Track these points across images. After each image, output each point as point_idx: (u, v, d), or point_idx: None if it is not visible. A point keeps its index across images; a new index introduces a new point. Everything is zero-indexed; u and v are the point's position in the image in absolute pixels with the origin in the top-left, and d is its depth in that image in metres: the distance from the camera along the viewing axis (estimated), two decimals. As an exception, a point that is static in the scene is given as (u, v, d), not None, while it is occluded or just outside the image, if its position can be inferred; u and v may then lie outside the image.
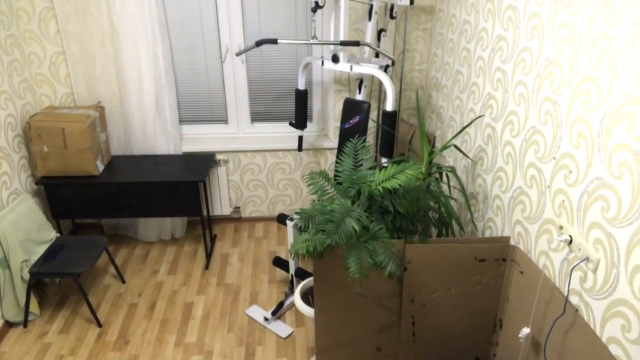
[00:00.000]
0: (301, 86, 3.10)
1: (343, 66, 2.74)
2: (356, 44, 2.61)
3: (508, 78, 2.08)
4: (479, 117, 2.40)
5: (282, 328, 2.70)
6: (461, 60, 2.66)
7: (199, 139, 3.54)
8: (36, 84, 3.16)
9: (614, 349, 1.41)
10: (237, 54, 2.75)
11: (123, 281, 3.11)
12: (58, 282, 3.08)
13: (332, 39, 2.82)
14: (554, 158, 1.71)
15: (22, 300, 2.67)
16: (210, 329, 2.71)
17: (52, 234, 2.92)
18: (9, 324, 2.72)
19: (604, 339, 1.46)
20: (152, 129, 3.24)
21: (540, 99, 1.81)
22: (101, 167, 3.08)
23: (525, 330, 1.80)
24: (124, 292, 3.01)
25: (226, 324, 2.75)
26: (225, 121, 3.56)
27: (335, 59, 2.75)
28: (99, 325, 2.73)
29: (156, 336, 2.66)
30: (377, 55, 3.16)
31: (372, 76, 3.36)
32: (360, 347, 2.16)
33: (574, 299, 1.60)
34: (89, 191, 3.04)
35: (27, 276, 2.64)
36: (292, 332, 2.68)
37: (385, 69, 2.91)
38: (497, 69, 2.20)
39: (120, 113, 3.26)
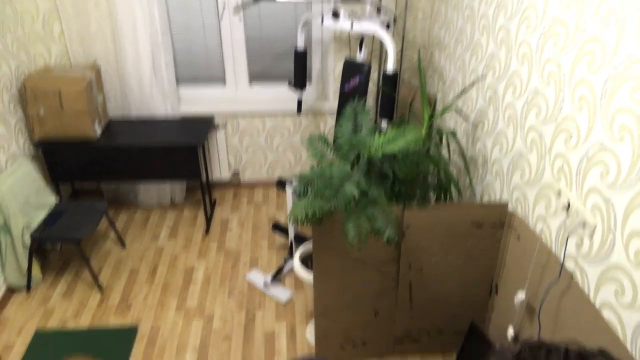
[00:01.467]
0: (300, 45, 3.01)
1: (343, 23, 2.65)
2: None
3: (512, 37, 2.00)
4: (481, 78, 2.32)
5: (281, 292, 2.73)
6: (465, 17, 2.55)
7: (196, 100, 3.48)
8: (30, 42, 3.07)
9: (607, 314, 1.41)
10: (235, 11, 2.65)
11: (124, 246, 3.13)
12: (59, 248, 3.11)
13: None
14: (555, 121, 1.66)
15: (24, 265, 2.70)
16: (211, 293, 2.75)
17: (52, 199, 2.93)
18: (12, 289, 2.76)
19: (597, 304, 1.45)
20: (149, 88, 3.18)
21: (543, 60, 1.74)
22: (99, 130, 3.05)
23: (521, 295, 1.79)
24: (125, 257, 3.04)
25: (226, 288, 2.78)
26: (224, 82, 3.49)
27: (335, 15, 2.65)
28: (101, 289, 2.77)
29: (158, 300, 2.69)
30: (378, 12, 3.05)
31: (373, 35, 3.25)
32: (358, 311, 2.18)
33: (569, 264, 1.59)
34: (87, 155, 3.02)
35: (28, 241, 2.65)
36: (292, 296, 2.71)
37: (387, 26, 2.81)
38: (501, 27, 2.11)
39: (116, 72, 3.20)
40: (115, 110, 3.31)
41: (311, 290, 2.69)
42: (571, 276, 1.56)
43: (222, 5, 3.19)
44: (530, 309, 1.82)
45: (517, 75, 1.95)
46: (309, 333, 2.47)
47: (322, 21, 2.76)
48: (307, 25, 3.26)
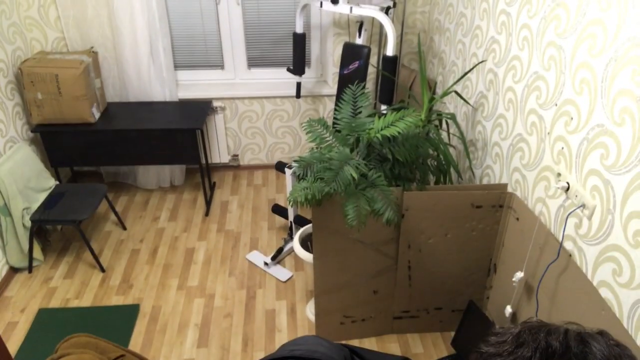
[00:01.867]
0: (299, 29, 3.01)
1: (342, 7, 2.65)
2: (356, -16, 2.50)
3: (512, 21, 2.02)
4: (481, 62, 2.34)
5: (281, 272, 2.77)
6: (465, 2, 2.56)
7: (195, 85, 3.48)
8: (26, 27, 3.05)
9: (604, 292, 1.45)
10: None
11: (124, 228, 3.15)
12: (60, 229, 3.12)
13: (331, -21, 2.71)
14: (556, 104, 1.69)
15: (26, 246, 2.72)
16: (212, 273, 2.78)
17: (51, 182, 2.93)
18: (14, 270, 2.78)
19: (595, 283, 1.49)
20: (146, 74, 3.16)
21: (544, 44, 1.76)
22: (97, 114, 3.04)
23: (519, 275, 1.84)
24: (125, 238, 3.06)
25: (227, 268, 2.82)
26: (222, 66, 3.48)
27: (334, 0, 2.65)
28: (102, 270, 2.79)
29: (159, 280, 2.73)
30: (377, -3, 3.04)
31: (373, 19, 3.25)
32: (357, 290, 2.22)
33: (568, 245, 1.63)
34: (85, 139, 3.02)
35: (28, 223, 2.67)
36: (292, 276, 2.75)
37: (387, 10, 2.80)
38: (501, 11, 2.12)
39: (114, 58, 3.18)
40: (113, 96, 3.29)
41: (311, 270, 2.73)
42: (569, 256, 1.61)
43: (221, -13, 3.17)
44: (528, 288, 1.86)
45: (518, 60, 1.97)
46: (309, 310, 2.52)
47: (321, 5, 2.75)
48: (306, 9, 3.25)
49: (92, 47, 3.11)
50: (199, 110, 3.19)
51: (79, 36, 3.11)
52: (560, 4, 1.65)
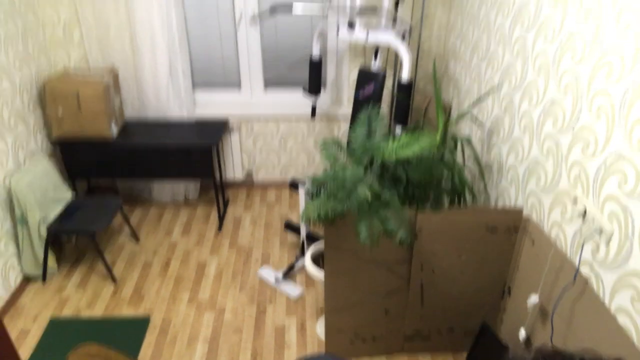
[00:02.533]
0: (316, 54, 3.07)
1: (359, 34, 2.71)
2: (373, 10, 2.57)
3: (528, 48, 2.05)
4: (498, 86, 2.37)
5: (292, 288, 2.77)
6: (481, 28, 2.61)
7: (212, 104, 3.54)
8: (50, 47, 3.15)
9: (622, 319, 1.45)
10: (252, 21, 2.71)
11: (138, 240, 3.18)
12: (74, 241, 3.16)
13: (348, 5, 2.78)
14: (573, 129, 1.71)
15: (40, 256, 2.75)
16: (223, 287, 2.79)
17: (68, 194, 2.98)
18: (28, 278, 2.81)
19: (612, 310, 1.49)
20: (165, 94, 3.24)
21: (561, 71, 1.79)
22: (115, 130, 3.11)
23: (534, 298, 1.83)
24: (138, 251, 3.08)
25: (238, 283, 2.82)
26: (239, 87, 3.55)
27: (351, 26, 2.71)
28: (115, 281, 2.81)
29: (170, 293, 2.74)
30: (394, 22, 3.11)
31: (389, 44, 3.31)
32: (369, 309, 2.22)
33: (584, 270, 1.63)
34: (103, 153, 3.07)
35: (44, 233, 2.70)
36: (302, 293, 2.75)
37: (402, 36, 2.86)
38: (517, 38, 2.17)
39: (133, 77, 3.26)
40: (132, 113, 3.37)
41: (322, 287, 2.73)
42: (586, 281, 1.61)
43: (240, 15, 3.26)
44: (543, 312, 1.85)
45: (534, 86, 2.00)
46: (319, 328, 2.51)
47: (338, 32, 2.81)
48: (323, 35, 3.33)
49: (113, 66, 3.20)
50: (215, 129, 3.24)
51: (100, 55, 3.20)
52: (576, 33, 1.69)
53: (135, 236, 3.19)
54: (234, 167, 3.63)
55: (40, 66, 3.02)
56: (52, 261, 2.84)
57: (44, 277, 2.80)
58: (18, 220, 2.65)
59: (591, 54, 1.61)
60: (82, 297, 2.70)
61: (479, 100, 2.52)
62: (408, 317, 2.26)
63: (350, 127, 3.22)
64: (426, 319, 2.27)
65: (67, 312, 2.60)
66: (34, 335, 2.44)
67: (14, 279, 2.70)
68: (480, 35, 2.62)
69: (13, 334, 2.45)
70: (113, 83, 3.08)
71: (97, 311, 2.61)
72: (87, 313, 2.59)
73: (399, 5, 3.09)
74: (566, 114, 1.76)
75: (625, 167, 1.43)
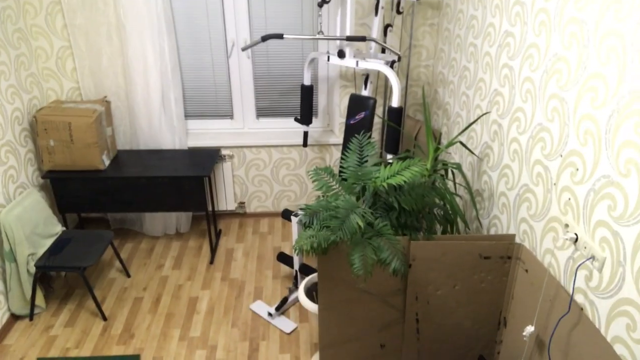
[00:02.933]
0: (307, 82, 3.09)
1: (349, 62, 2.73)
2: (362, 39, 2.60)
3: (515, 74, 2.07)
4: (485, 113, 2.38)
5: (286, 323, 2.71)
6: (468, 56, 2.64)
7: (204, 134, 3.55)
8: (43, 78, 3.17)
9: (618, 349, 1.40)
10: (243, 49, 2.75)
11: (128, 275, 3.12)
12: (64, 276, 3.10)
13: (338, 34, 2.81)
14: (561, 155, 1.70)
15: (28, 293, 2.69)
16: (215, 323, 2.72)
17: (58, 228, 2.94)
18: (15, 317, 2.74)
19: (609, 338, 1.44)
20: (157, 123, 3.24)
21: (547, 96, 1.80)
22: (107, 162, 3.09)
23: (530, 329, 1.79)
24: (129, 286, 3.02)
25: (230, 318, 2.76)
26: (231, 116, 3.56)
27: (341, 55, 2.74)
28: (104, 318, 2.75)
29: (161, 330, 2.67)
30: (383, 51, 3.14)
31: (378, 72, 3.34)
32: (364, 343, 2.16)
33: (579, 298, 1.59)
34: (95, 185, 3.05)
35: (33, 269, 2.65)
36: (296, 328, 2.69)
37: (392, 64, 2.89)
38: (504, 65, 2.18)
39: (126, 107, 3.27)
40: (124, 143, 3.36)
41: (316, 321, 2.66)
42: (581, 309, 1.57)
43: (231, 43, 3.30)
44: (539, 343, 1.80)
45: (522, 111, 2.00)
46: (314, 366, 2.44)
47: (328, 59, 2.84)
48: (314, 62, 3.36)
49: (105, 97, 3.21)
50: (208, 158, 3.23)
51: (93, 85, 3.21)
52: (561, 58, 1.70)
53: (125, 271, 3.14)
54: (226, 197, 3.61)
55: (32, 97, 3.03)
56: (40, 299, 2.78)
57: (31, 315, 2.73)
58: (6, 256, 2.60)
59: (576, 78, 1.61)
60: (71, 335, 2.63)
61: (468, 127, 2.53)
62: (404, 351, 2.19)
63: (342, 155, 3.21)
64: (423, 353, 2.20)
65: (55, 352, 2.52)
66: (19, 377, 2.36)
67: (0, 318, 2.63)
68: (467, 62, 2.64)
69: (-3, 376, 2.38)
70: (105, 113, 3.09)
71: (86, 351, 2.53)
72: (75, 353, 2.52)
73: (388, 33, 3.13)
74: (554, 139, 1.75)
75: (614, 192, 1.41)
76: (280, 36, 2.64)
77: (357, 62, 2.70)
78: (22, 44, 2.94)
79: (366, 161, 2.14)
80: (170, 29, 3.09)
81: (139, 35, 3.00)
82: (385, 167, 2.02)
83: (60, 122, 2.86)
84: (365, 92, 3.04)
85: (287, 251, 3.37)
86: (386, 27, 3.11)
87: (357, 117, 2.90)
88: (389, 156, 2.80)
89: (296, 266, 2.86)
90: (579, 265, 1.58)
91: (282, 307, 2.78)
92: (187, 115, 3.54)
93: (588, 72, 1.54)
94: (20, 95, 2.89)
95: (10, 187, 2.75)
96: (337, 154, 3.61)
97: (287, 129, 3.61)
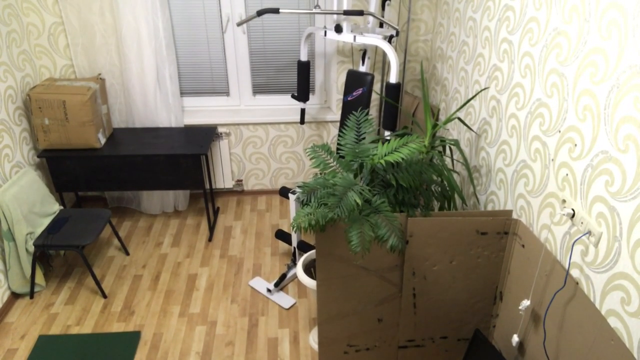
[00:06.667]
0: (303, 57, 3.05)
1: (346, 36, 2.69)
2: (360, 13, 2.55)
3: (514, 49, 2.04)
4: (484, 89, 2.36)
5: (284, 299, 2.74)
6: (467, 30, 2.60)
7: (200, 111, 3.52)
8: (35, 55, 3.12)
9: (613, 322, 1.42)
10: (239, 24, 2.70)
11: (127, 253, 3.14)
12: (63, 254, 3.11)
13: (335, 8, 2.76)
14: (559, 131, 1.69)
15: (28, 272, 2.70)
16: (214, 300, 2.75)
17: (56, 207, 2.94)
18: (15, 295, 2.76)
19: (603, 312, 1.47)
20: (153, 101, 3.21)
21: (546, 71, 1.78)
22: (103, 140, 3.07)
23: (526, 303, 1.81)
24: (128, 264, 3.04)
25: (229, 295, 2.79)
26: (227, 93, 3.53)
27: (338, 29, 2.70)
28: (104, 296, 2.77)
29: (160, 307, 2.70)
30: (381, 25, 3.09)
31: (376, 47, 3.30)
32: (362, 318, 2.19)
33: (574, 272, 1.61)
34: (91, 164, 3.04)
35: (31, 248, 2.66)
36: (295, 303, 2.72)
37: (390, 39, 2.85)
38: (503, 39, 2.15)
39: (120, 85, 3.23)
40: (119, 122, 3.34)
41: (314, 297, 2.70)
42: (576, 284, 1.58)
43: (226, 18, 3.24)
44: (535, 316, 1.83)
45: (520, 87, 1.99)
46: (312, 339, 2.48)
47: (325, 34, 2.80)
48: (310, 37, 3.31)
49: (99, 74, 3.17)
50: (204, 136, 3.21)
51: (87, 63, 3.17)
52: (561, 32, 1.67)
53: (124, 249, 3.15)
54: (223, 175, 3.60)
55: (25, 75, 2.99)
56: (39, 278, 2.80)
57: (31, 293, 2.75)
58: (4, 235, 2.60)
59: (576, 53, 1.59)
60: (71, 313, 2.66)
61: (466, 103, 2.51)
62: (401, 326, 2.23)
63: (339, 132, 3.19)
64: (419, 327, 2.24)
65: (56, 329, 2.55)
66: (21, 354, 2.39)
67: (1, 297, 2.65)
68: (466, 37, 2.61)
69: (0, 353, 2.40)
70: (100, 91, 3.05)
71: (87, 328, 2.56)
72: (76, 330, 2.55)
73: (386, 7, 3.08)
74: (553, 114, 1.74)
75: (612, 167, 1.41)
76: (276, 10, 2.59)
77: (354, 37, 2.66)
78: (13, 20, 2.88)
79: (364, 138, 2.12)
80: (164, 4, 3.03)
81: (132, 11, 2.94)
82: (383, 144, 2.01)
83: (54, 100, 2.83)
84: (362, 68, 3.01)
85: (285, 228, 3.38)
86: (384, 1, 3.06)
87: (354, 93, 2.88)
88: (387, 133, 2.79)
89: (294, 243, 2.88)
90: (576, 241, 1.59)
91: (280, 284, 2.81)
92: (183, 93, 3.50)
93: (588, 46, 1.52)
94: (12, 73, 2.85)
95: (5, 167, 2.74)
96: (334, 131, 3.59)
97: (284, 106, 3.58)
